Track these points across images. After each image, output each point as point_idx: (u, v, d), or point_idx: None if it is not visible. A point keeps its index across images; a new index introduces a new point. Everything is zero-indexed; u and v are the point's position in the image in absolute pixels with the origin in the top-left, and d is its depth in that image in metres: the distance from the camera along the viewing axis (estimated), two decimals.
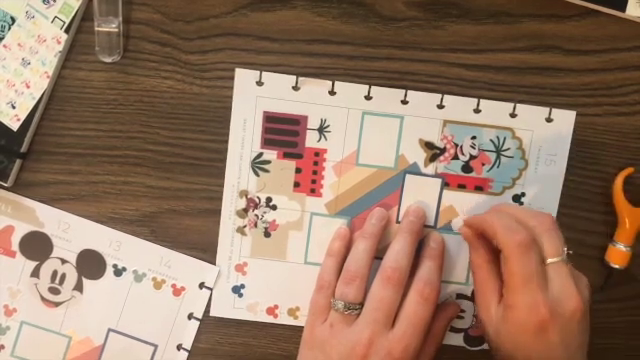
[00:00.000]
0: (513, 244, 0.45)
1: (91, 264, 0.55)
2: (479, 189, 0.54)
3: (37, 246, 0.55)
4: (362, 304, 0.50)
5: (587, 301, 0.47)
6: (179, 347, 0.56)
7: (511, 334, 0.47)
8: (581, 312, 0.46)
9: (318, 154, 0.54)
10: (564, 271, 0.46)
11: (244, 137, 0.54)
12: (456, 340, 0.56)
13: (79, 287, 0.56)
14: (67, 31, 0.52)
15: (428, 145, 0.54)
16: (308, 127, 0.53)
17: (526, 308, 0.45)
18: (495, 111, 0.53)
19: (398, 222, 0.54)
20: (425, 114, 0.53)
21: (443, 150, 0.54)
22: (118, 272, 0.55)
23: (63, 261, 0.55)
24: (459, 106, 0.53)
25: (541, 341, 0.46)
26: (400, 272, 0.50)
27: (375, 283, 0.50)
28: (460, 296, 0.55)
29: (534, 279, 0.45)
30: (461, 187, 0.54)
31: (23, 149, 0.53)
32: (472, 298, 0.55)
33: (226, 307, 0.56)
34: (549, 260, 0.46)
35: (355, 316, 0.50)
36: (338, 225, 0.54)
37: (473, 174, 0.54)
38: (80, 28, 0.53)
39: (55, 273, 0.55)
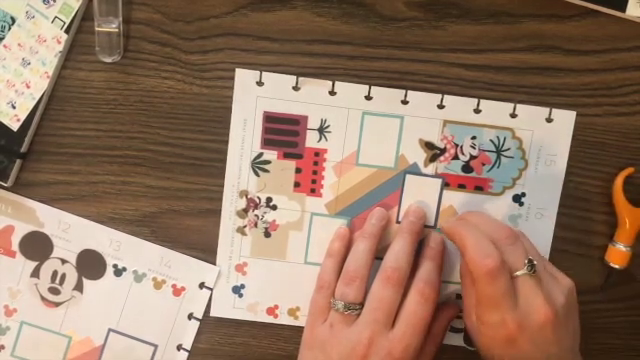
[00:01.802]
0: (483, 269, 0.46)
1: (91, 264, 0.55)
2: (479, 189, 0.54)
3: (37, 246, 0.55)
4: (362, 304, 0.50)
5: (562, 307, 0.47)
6: (179, 347, 0.56)
7: (485, 346, 0.48)
8: (551, 322, 0.46)
9: (318, 154, 0.54)
10: (531, 283, 0.46)
11: (244, 137, 0.54)
12: (456, 340, 0.56)
13: (79, 287, 0.56)
14: (67, 31, 0.52)
15: (428, 145, 0.54)
16: (308, 127, 0.54)
17: (495, 326, 0.47)
18: (495, 111, 0.53)
19: (398, 222, 0.54)
20: (425, 114, 0.53)
21: (443, 150, 0.54)
22: (118, 272, 0.55)
23: (63, 261, 0.55)
24: (459, 106, 0.53)
25: (513, 352, 0.47)
26: (400, 272, 0.50)
27: (375, 283, 0.50)
28: (460, 296, 0.55)
29: (502, 301, 0.46)
30: (461, 187, 0.54)
31: (23, 149, 0.53)
32: None
33: (226, 307, 0.56)
34: (515, 274, 0.46)
35: (355, 316, 0.50)
36: (338, 225, 0.54)
37: (473, 174, 0.54)
38: (80, 28, 0.53)
39: (55, 273, 0.55)
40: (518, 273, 0.46)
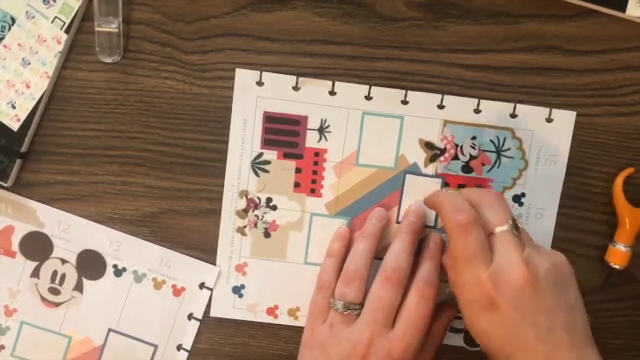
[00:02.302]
0: (455, 223, 0.46)
1: (91, 264, 0.55)
2: None
3: (37, 246, 0.55)
4: (362, 304, 0.50)
5: (545, 272, 0.44)
6: (179, 347, 0.56)
7: (467, 316, 0.46)
8: (530, 284, 0.43)
9: (318, 154, 0.54)
10: (510, 241, 0.45)
11: (244, 137, 0.54)
12: (456, 340, 0.56)
13: (79, 287, 0.56)
14: (67, 31, 0.52)
15: (428, 145, 0.54)
16: (308, 127, 0.54)
17: (470, 286, 0.45)
18: (495, 111, 0.53)
19: (398, 222, 0.54)
20: (425, 114, 0.53)
21: (443, 150, 0.54)
22: (118, 272, 0.55)
23: (63, 261, 0.55)
24: (459, 106, 0.53)
25: (496, 319, 0.44)
26: (400, 272, 0.50)
27: (375, 283, 0.50)
28: None
29: (476, 257, 0.45)
30: (461, 187, 0.54)
31: (23, 149, 0.53)
32: None
33: (226, 307, 0.56)
34: (496, 230, 0.46)
35: (355, 316, 0.50)
36: (338, 225, 0.54)
37: (473, 174, 0.54)
38: (80, 28, 0.53)
39: (55, 273, 0.55)
40: (498, 229, 0.46)
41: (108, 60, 0.53)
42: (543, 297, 0.44)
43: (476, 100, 0.53)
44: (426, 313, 0.50)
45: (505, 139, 0.54)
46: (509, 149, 0.54)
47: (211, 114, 0.53)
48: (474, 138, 0.54)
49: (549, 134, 0.53)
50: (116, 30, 0.52)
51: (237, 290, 0.56)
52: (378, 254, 0.52)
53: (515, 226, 0.46)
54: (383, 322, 0.49)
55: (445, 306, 0.54)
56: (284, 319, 0.56)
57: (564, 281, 0.46)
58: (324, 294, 0.52)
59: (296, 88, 0.53)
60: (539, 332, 0.44)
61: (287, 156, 0.54)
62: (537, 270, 0.44)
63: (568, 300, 0.45)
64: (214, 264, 0.55)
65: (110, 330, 0.56)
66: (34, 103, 0.52)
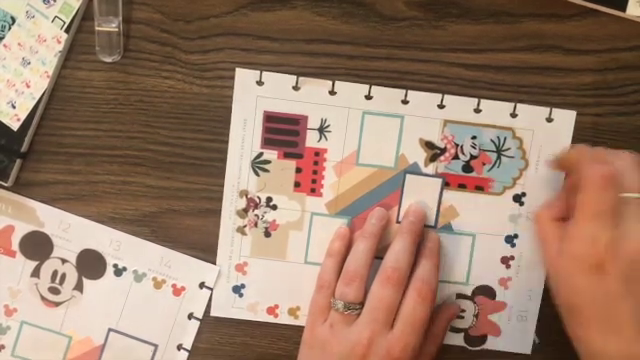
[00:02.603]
0: (596, 175, 0.42)
1: (91, 264, 0.55)
2: (479, 189, 0.54)
3: (37, 246, 0.55)
4: (362, 304, 0.50)
5: None
6: (179, 347, 0.56)
7: (566, 271, 0.43)
8: None
9: (318, 154, 0.54)
10: (637, 211, 0.42)
11: (244, 137, 0.54)
12: (456, 340, 0.56)
13: (79, 287, 0.56)
14: (67, 31, 0.52)
15: (428, 145, 0.54)
16: (308, 127, 0.54)
17: (586, 241, 0.42)
18: (495, 111, 0.53)
19: (398, 222, 0.54)
20: (425, 114, 0.53)
21: (443, 150, 0.54)
22: (118, 272, 0.55)
23: (63, 261, 0.55)
24: (459, 106, 0.53)
25: (598, 284, 0.42)
26: (400, 272, 0.50)
27: (375, 283, 0.50)
28: (460, 296, 0.55)
29: (607, 214, 0.42)
30: (461, 187, 0.54)
31: (23, 149, 0.53)
32: (472, 298, 0.55)
33: (226, 307, 0.56)
34: (627, 194, 0.42)
35: (355, 316, 0.50)
36: (338, 225, 0.54)
37: (473, 174, 0.54)
38: (80, 28, 0.53)
39: (55, 273, 0.55)
40: (629, 195, 0.42)
41: (108, 60, 0.53)
42: None
43: (476, 100, 0.53)
44: (424, 312, 0.50)
45: (505, 139, 0.54)
46: (509, 149, 0.54)
47: (211, 114, 0.53)
48: (474, 138, 0.54)
49: (549, 134, 0.53)
50: (116, 30, 0.52)
51: (237, 290, 0.56)
52: (378, 254, 0.52)
53: None
54: (383, 322, 0.49)
55: (445, 306, 0.55)
56: (284, 318, 0.56)
57: None
58: (324, 294, 0.52)
59: (296, 88, 0.53)
60: (636, 310, 0.41)
61: (287, 156, 0.54)
62: None
63: None
64: (214, 264, 0.55)
65: (110, 330, 0.56)
66: (34, 103, 0.52)
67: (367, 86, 0.53)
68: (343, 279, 0.51)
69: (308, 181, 0.54)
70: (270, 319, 0.56)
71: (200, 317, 0.56)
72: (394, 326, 0.49)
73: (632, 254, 0.41)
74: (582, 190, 0.43)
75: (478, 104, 0.53)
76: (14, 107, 0.52)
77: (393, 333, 0.49)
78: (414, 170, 0.54)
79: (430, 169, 0.54)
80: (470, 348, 0.56)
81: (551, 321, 0.53)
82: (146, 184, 0.55)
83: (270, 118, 0.53)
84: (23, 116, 0.52)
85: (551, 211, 0.48)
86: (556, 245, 0.45)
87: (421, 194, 0.54)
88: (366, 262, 0.51)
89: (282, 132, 0.54)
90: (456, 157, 0.54)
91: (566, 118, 0.53)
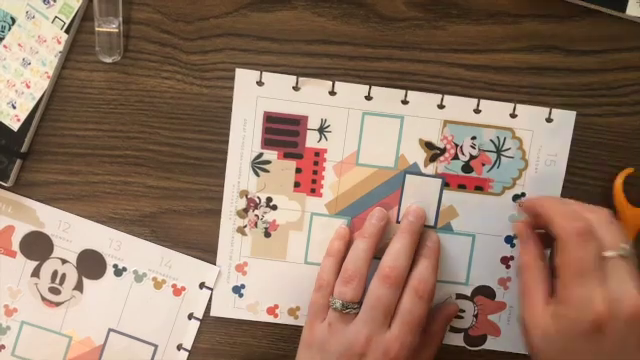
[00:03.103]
0: (572, 231, 0.43)
1: (91, 264, 0.55)
2: (479, 189, 0.54)
3: (37, 246, 0.55)
4: (360, 303, 0.50)
5: None
6: (179, 347, 0.56)
7: (561, 335, 0.43)
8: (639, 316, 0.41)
9: (318, 154, 0.54)
10: (623, 267, 0.42)
11: (244, 137, 0.54)
12: (456, 340, 0.56)
13: (79, 287, 0.56)
14: (67, 31, 0.52)
15: (428, 145, 0.54)
16: (308, 127, 0.54)
17: (581, 303, 0.42)
18: (495, 111, 0.53)
19: (398, 222, 0.54)
20: (425, 114, 0.53)
21: (443, 150, 0.54)
22: (118, 272, 0.55)
23: (63, 261, 0.55)
24: (459, 106, 0.53)
25: (594, 346, 0.42)
26: (398, 271, 0.50)
27: (373, 282, 0.50)
28: (460, 296, 0.55)
29: (592, 271, 0.42)
30: (461, 187, 0.54)
31: (23, 149, 0.53)
32: (472, 298, 0.55)
33: (226, 307, 0.56)
34: (608, 253, 0.43)
35: (353, 315, 0.50)
36: (338, 225, 0.54)
37: (473, 174, 0.54)
38: (80, 28, 0.53)
39: (55, 273, 0.55)
40: (610, 253, 0.42)
41: (108, 60, 0.53)
42: (637, 331, 0.42)
43: (476, 100, 0.53)
44: (421, 311, 0.50)
45: (505, 139, 0.54)
46: (509, 149, 0.54)
47: (211, 114, 0.54)
48: (474, 138, 0.54)
49: (549, 134, 0.53)
50: (116, 30, 0.52)
51: (237, 290, 0.56)
52: (378, 254, 0.52)
53: (625, 249, 0.43)
54: (380, 321, 0.49)
55: (444, 306, 0.55)
56: (284, 319, 0.56)
57: None
58: (323, 293, 0.52)
59: (296, 88, 0.53)
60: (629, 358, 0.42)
61: (287, 156, 0.54)
62: None
63: None
64: (214, 264, 0.55)
65: (110, 330, 0.56)
66: (34, 103, 0.52)
67: (367, 86, 0.53)
68: (342, 278, 0.51)
69: (308, 181, 0.54)
70: (270, 319, 0.56)
71: (200, 317, 0.56)
72: (392, 325, 0.49)
73: (626, 314, 0.41)
74: (562, 250, 0.43)
75: (478, 104, 0.53)
76: (14, 107, 0.52)
77: (391, 332, 0.49)
78: (414, 170, 0.54)
79: (430, 169, 0.54)
80: (470, 348, 0.56)
81: None
82: (146, 184, 0.55)
83: (270, 118, 0.53)
84: (23, 116, 0.53)
85: (535, 254, 0.48)
86: (541, 306, 0.45)
87: (421, 194, 0.54)
88: (365, 262, 0.51)
89: (282, 132, 0.54)
90: (456, 157, 0.54)
91: (566, 118, 0.53)
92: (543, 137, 0.53)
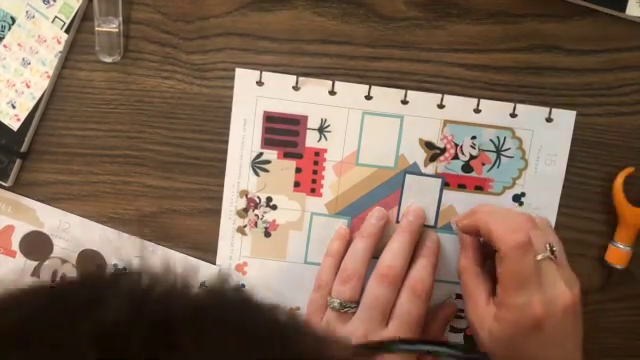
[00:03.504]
0: (512, 244, 0.45)
1: (91, 264, 0.55)
2: (479, 189, 0.54)
3: (37, 246, 0.55)
4: (358, 303, 0.50)
5: (578, 297, 0.47)
6: None
7: (504, 334, 0.47)
8: (572, 309, 0.46)
9: (318, 154, 0.54)
10: (552, 267, 0.46)
11: (244, 137, 0.54)
12: (456, 340, 0.56)
13: None
14: (67, 31, 0.52)
15: (428, 145, 0.54)
16: (308, 127, 0.54)
17: (521, 308, 0.45)
18: (495, 111, 0.53)
19: (398, 222, 0.54)
20: (425, 114, 0.53)
21: (443, 150, 0.54)
22: None
23: (63, 261, 0.55)
24: (459, 106, 0.53)
25: (536, 339, 0.46)
26: (396, 270, 0.50)
27: (371, 281, 0.50)
28: (459, 296, 0.55)
29: (530, 279, 0.45)
30: (461, 187, 0.54)
31: (23, 149, 0.53)
32: None
33: None
34: (539, 257, 0.46)
35: (351, 315, 0.50)
36: (338, 225, 0.54)
37: (473, 174, 0.54)
38: (80, 28, 0.53)
39: (55, 273, 0.55)
40: (540, 256, 0.46)
41: (108, 60, 0.53)
42: (575, 321, 0.47)
43: (476, 100, 0.53)
44: (419, 310, 0.50)
45: (505, 139, 0.54)
46: (509, 149, 0.54)
47: (211, 114, 0.53)
48: (474, 138, 0.54)
49: (549, 134, 0.53)
50: (116, 30, 0.52)
51: None
52: (377, 254, 0.52)
53: (552, 250, 0.47)
54: (378, 320, 0.49)
55: (443, 307, 0.55)
56: None
57: (581, 303, 0.48)
58: (322, 293, 0.52)
59: (296, 88, 0.53)
60: (567, 351, 0.46)
61: (287, 156, 0.54)
62: (576, 294, 0.46)
63: (581, 321, 0.48)
64: (214, 264, 0.55)
65: None
66: (34, 103, 0.52)
67: (367, 86, 0.53)
68: (340, 278, 0.51)
69: (308, 181, 0.54)
70: None
71: None
72: (389, 324, 0.49)
73: (560, 310, 0.45)
74: (502, 261, 0.46)
75: (478, 104, 0.53)
76: (14, 107, 0.52)
77: (388, 330, 0.49)
78: (414, 170, 0.54)
79: (430, 169, 0.54)
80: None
81: None
82: (146, 184, 0.55)
83: (270, 118, 0.53)
84: (23, 116, 0.53)
85: (474, 259, 0.51)
86: (483, 307, 0.48)
87: (421, 194, 0.54)
88: (363, 261, 0.51)
89: (282, 132, 0.54)
90: (456, 157, 0.54)
91: (566, 118, 0.53)
92: (543, 137, 0.53)
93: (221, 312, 0.25)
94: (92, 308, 0.23)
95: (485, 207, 0.51)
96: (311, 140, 0.54)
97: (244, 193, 0.54)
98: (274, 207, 0.54)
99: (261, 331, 0.25)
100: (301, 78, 0.53)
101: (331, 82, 0.53)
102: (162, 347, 0.22)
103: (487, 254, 0.51)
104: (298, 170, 0.54)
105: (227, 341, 0.23)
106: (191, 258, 0.55)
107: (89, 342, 0.21)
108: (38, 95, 0.52)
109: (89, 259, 0.55)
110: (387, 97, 0.53)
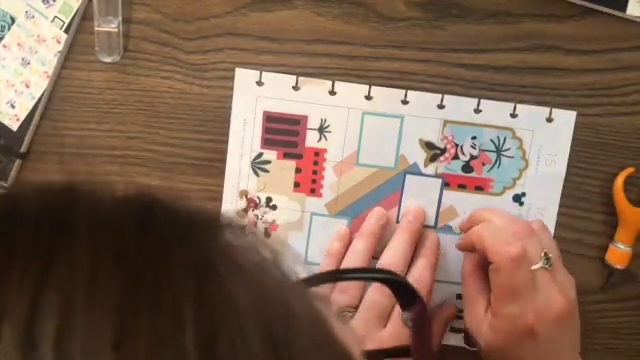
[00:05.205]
0: (506, 256, 0.45)
1: None
2: (479, 189, 0.54)
3: None
4: (357, 307, 0.50)
5: (573, 301, 0.47)
6: None
7: (499, 343, 0.47)
8: (566, 315, 0.46)
9: (318, 154, 0.54)
10: (547, 276, 0.46)
11: (244, 137, 0.54)
12: (456, 340, 0.56)
13: None
14: (67, 31, 0.52)
15: (428, 145, 0.54)
16: (308, 127, 0.53)
17: (514, 317, 0.46)
18: (495, 111, 0.53)
19: (398, 222, 0.54)
20: (425, 114, 0.53)
21: (443, 150, 0.54)
22: None
23: None
24: (459, 106, 0.53)
25: (530, 345, 0.46)
26: (395, 270, 0.50)
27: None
28: (460, 296, 0.55)
29: (524, 291, 0.45)
30: (461, 187, 0.54)
31: (23, 149, 0.53)
32: None
33: None
34: (533, 267, 0.46)
35: (349, 317, 0.50)
36: (338, 225, 0.54)
37: (473, 174, 0.54)
38: (80, 28, 0.52)
39: None
40: (535, 267, 0.46)
41: (108, 60, 0.52)
42: (569, 325, 0.47)
43: (476, 100, 0.53)
44: None
45: (505, 139, 0.54)
46: (509, 149, 0.54)
47: (211, 114, 0.53)
48: (474, 138, 0.54)
49: (549, 134, 0.53)
50: (116, 30, 0.52)
51: None
52: (377, 254, 0.52)
53: (547, 259, 0.46)
54: (375, 322, 0.49)
55: (443, 307, 0.54)
56: None
57: (577, 305, 0.48)
58: None
59: (296, 88, 0.53)
60: (562, 355, 0.47)
61: (287, 156, 0.54)
62: (570, 300, 0.46)
63: (578, 322, 0.48)
64: None
65: None
66: (34, 103, 0.52)
67: (367, 86, 0.53)
68: (338, 286, 0.51)
69: (308, 181, 0.54)
70: None
71: None
72: (387, 324, 0.49)
73: (553, 317, 0.46)
74: (495, 272, 0.46)
75: (478, 104, 0.53)
76: (14, 107, 0.52)
77: (386, 331, 0.49)
78: (414, 170, 0.54)
79: (430, 169, 0.54)
80: (470, 348, 0.56)
81: None
82: (146, 184, 0.54)
83: (270, 118, 0.53)
84: (23, 116, 0.52)
85: (478, 263, 0.50)
86: (481, 315, 0.48)
87: (421, 194, 0.54)
88: (363, 261, 0.51)
89: (282, 132, 0.54)
90: (456, 157, 0.54)
91: (566, 118, 0.53)
92: (543, 137, 0.53)
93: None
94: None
95: (483, 212, 0.51)
96: (311, 140, 0.54)
97: (244, 193, 0.54)
98: (274, 207, 0.54)
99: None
100: (301, 78, 0.53)
101: (331, 82, 0.53)
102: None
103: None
104: (298, 170, 0.54)
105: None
106: None
107: None
108: (38, 95, 0.52)
109: None
110: (387, 97, 0.53)
